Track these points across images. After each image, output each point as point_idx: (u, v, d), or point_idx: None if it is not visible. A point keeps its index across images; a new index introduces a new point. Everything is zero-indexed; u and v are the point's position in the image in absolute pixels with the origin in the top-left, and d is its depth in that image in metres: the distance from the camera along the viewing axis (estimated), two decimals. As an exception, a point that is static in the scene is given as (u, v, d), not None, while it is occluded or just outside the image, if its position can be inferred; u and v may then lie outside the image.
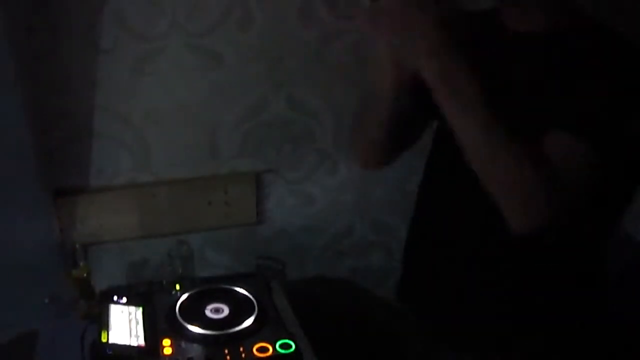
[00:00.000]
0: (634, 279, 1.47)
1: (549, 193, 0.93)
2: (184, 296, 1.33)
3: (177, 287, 1.38)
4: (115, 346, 1.18)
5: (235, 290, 1.36)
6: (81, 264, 1.38)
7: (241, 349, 1.19)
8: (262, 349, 1.20)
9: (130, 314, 1.28)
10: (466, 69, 0.92)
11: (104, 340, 1.19)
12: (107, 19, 1.33)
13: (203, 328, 1.23)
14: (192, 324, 1.23)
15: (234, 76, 1.45)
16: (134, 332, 1.23)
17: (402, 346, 1.60)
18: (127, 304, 1.31)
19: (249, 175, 1.56)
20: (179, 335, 1.22)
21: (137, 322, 1.26)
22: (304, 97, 1.52)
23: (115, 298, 1.32)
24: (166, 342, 1.20)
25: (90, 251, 1.46)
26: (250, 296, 1.34)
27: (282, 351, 1.20)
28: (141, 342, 1.21)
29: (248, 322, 1.26)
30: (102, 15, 1.33)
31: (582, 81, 0.97)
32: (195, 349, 1.19)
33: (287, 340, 1.22)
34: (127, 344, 1.19)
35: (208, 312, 1.28)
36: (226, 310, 1.29)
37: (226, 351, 1.18)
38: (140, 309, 1.30)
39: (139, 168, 1.48)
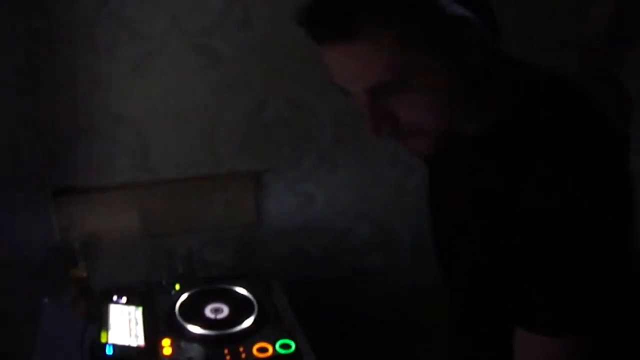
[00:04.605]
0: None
1: None
2: (184, 296, 1.33)
3: (177, 287, 1.38)
4: (115, 346, 1.18)
5: (235, 290, 1.36)
6: (81, 263, 1.38)
7: (241, 349, 1.19)
8: (262, 349, 1.20)
9: (130, 313, 1.28)
10: None
11: (103, 340, 1.19)
12: (107, 19, 1.33)
13: (203, 328, 1.23)
14: (191, 324, 1.23)
15: (233, 76, 1.45)
16: (133, 332, 1.23)
17: (402, 346, 1.60)
18: (127, 303, 1.31)
19: (248, 175, 1.56)
20: (179, 335, 1.22)
21: (137, 322, 1.26)
22: (304, 97, 1.52)
23: (115, 298, 1.32)
24: (166, 342, 1.20)
25: (89, 251, 1.46)
26: (250, 296, 1.34)
27: (282, 351, 1.20)
28: (141, 342, 1.20)
29: (248, 322, 1.26)
30: (102, 15, 1.33)
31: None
32: (195, 349, 1.18)
33: (287, 340, 1.22)
34: (127, 344, 1.19)
35: (208, 312, 1.28)
36: (226, 310, 1.29)
37: (226, 351, 1.18)
38: (140, 309, 1.30)
39: (139, 168, 1.48)
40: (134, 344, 1.20)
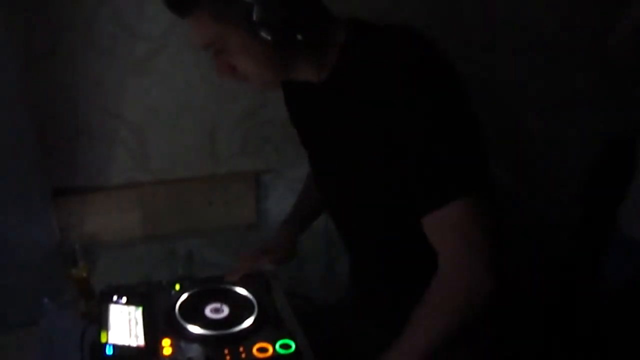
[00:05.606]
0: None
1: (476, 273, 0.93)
2: (184, 296, 1.33)
3: (177, 287, 1.38)
4: (115, 346, 1.18)
5: (235, 290, 1.36)
6: (81, 263, 1.38)
7: (241, 349, 1.19)
8: (262, 349, 1.20)
9: (130, 313, 1.28)
10: None
11: (103, 340, 1.19)
12: (107, 19, 1.33)
13: (203, 328, 1.22)
14: (191, 324, 1.23)
15: (233, 76, 1.45)
16: (133, 332, 1.23)
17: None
18: (127, 303, 1.30)
19: (248, 175, 1.56)
20: (179, 335, 1.22)
21: (137, 322, 1.26)
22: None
23: (115, 298, 1.31)
24: (166, 342, 1.20)
25: (89, 251, 1.46)
26: (250, 296, 1.34)
27: (282, 351, 1.20)
28: (141, 342, 1.20)
29: (248, 322, 1.26)
30: (102, 15, 1.33)
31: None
32: (195, 349, 1.18)
33: (287, 340, 1.22)
34: (127, 344, 1.19)
35: (208, 312, 1.28)
36: (226, 310, 1.29)
37: (226, 351, 1.18)
38: (140, 308, 1.30)
39: (139, 168, 1.48)
40: (133, 344, 1.20)
